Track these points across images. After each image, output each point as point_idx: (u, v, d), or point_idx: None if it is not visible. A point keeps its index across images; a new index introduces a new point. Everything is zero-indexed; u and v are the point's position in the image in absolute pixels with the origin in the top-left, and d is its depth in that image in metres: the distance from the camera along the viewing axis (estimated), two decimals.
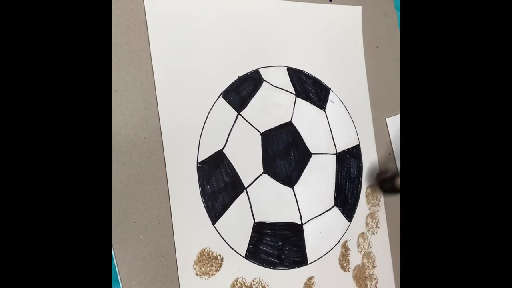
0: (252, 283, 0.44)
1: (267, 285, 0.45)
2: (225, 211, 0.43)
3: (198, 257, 0.41)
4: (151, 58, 0.40)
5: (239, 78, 0.46)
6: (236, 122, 0.45)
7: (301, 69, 0.52)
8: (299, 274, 0.48)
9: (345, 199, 0.53)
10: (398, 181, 0.53)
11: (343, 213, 0.52)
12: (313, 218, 0.49)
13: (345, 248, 0.52)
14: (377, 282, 0.55)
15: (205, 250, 0.41)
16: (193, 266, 0.40)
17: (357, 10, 0.58)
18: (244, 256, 0.44)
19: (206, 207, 0.42)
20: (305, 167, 0.50)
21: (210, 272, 0.41)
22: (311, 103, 0.52)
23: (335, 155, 0.53)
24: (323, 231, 0.50)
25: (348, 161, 0.54)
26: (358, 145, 0.56)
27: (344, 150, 0.54)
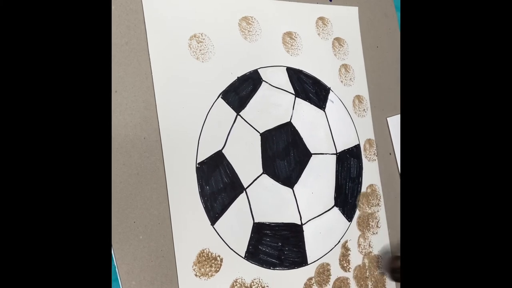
0: (252, 283, 0.44)
1: (267, 286, 0.45)
2: (224, 212, 0.43)
3: (198, 258, 0.41)
4: (150, 58, 0.41)
5: (238, 78, 0.46)
6: (236, 122, 0.45)
7: (300, 69, 0.52)
8: (299, 275, 0.47)
9: (345, 199, 0.53)
10: None
11: (343, 213, 0.52)
12: (313, 219, 0.49)
13: (346, 248, 0.52)
14: (377, 282, 0.55)
15: (205, 250, 0.41)
16: (193, 267, 0.40)
17: (353, 11, 0.58)
18: (243, 256, 0.44)
19: (205, 208, 0.42)
20: (305, 167, 0.50)
21: (210, 273, 0.41)
22: (311, 103, 0.52)
23: (335, 155, 0.53)
24: (323, 231, 0.50)
25: (348, 161, 0.54)
26: (358, 145, 0.56)
27: (344, 150, 0.54)
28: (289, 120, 0.49)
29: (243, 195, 0.44)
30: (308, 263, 0.48)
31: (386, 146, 0.59)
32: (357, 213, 0.54)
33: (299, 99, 0.50)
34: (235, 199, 0.44)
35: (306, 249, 0.48)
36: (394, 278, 0.54)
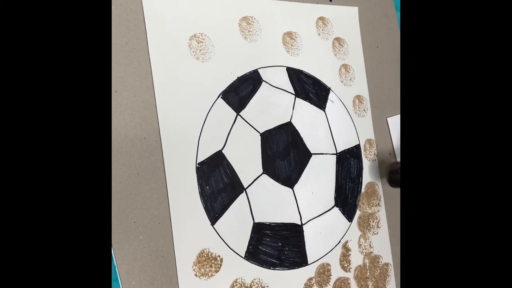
0: (252, 283, 0.44)
1: (267, 286, 0.45)
2: (224, 212, 0.43)
3: (198, 258, 0.41)
4: (150, 58, 0.41)
5: (238, 78, 0.46)
6: (236, 122, 0.45)
7: (300, 69, 0.52)
8: (299, 275, 0.47)
9: (346, 199, 0.53)
10: None
11: (343, 213, 0.52)
12: (313, 219, 0.49)
13: (346, 248, 0.52)
14: (378, 282, 0.55)
15: (205, 251, 0.41)
16: (193, 267, 0.40)
17: (353, 11, 0.58)
18: (243, 256, 0.44)
19: (205, 208, 0.42)
20: (305, 167, 0.50)
21: (210, 273, 0.41)
22: (311, 103, 0.52)
23: (335, 155, 0.53)
24: (323, 231, 0.50)
25: (348, 161, 0.54)
26: (358, 145, 0.56)
27: (344, 150, 0.54)
28: (289, 120, 0.49)
29: (243, 195, 0.44)
30: (308, 263, 0.48)
31: (386, 146, 0.59)
32: (358, 213, 0.54)
33: (299, 99, 0.50)
34: (235, 199, 0.44)
35: (306, 249, 0.48)
36: (392, 180, 0.54)
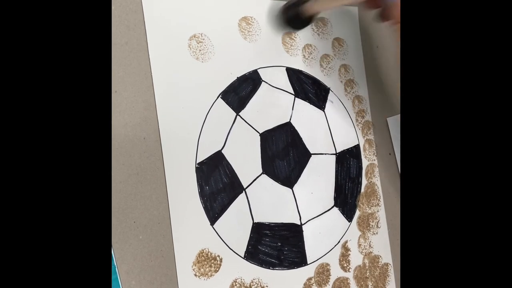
0: (251, 283, 0.44)
1: (266, 286, 0.45)
2: (224, 212, 0.43)
3: (197, 258, 0.41)
4: (149, 59, 0.41)
5: (238, 78, 0.46)
6: (235, 122, 0.45)
7: (300, 69, 0.52)
8: (298, 275, 0.47)
9: (345, 199, 0.53)
10: (305, 6, 0.46)
11: (343, 213, 0.52)
12: (312, 219, 0.49)
13: (345, 248, 0.52)
14: (377, 282, 0.55)
15: (204, 250, 0.41)
16: (192, 267, 0.40)
17: (353, 11, 0.58)
18: (243, 256, 0.44)
19: (205, 208, 0.42)
20: (304, 167, 0.50)
21: (209, 273, 0.41)
22: (310, 103, 0.52)
23: (335, 155, 0.53)
24: (323, 231, 0.50)
25: (347, 161, 0.54)
26: (358, 145, 0.56)
27: (344, 150, 0.54)
28: (288, 120, 0.49)
29: (242, 195, 0.45)
30: (308, 263, 0.48)
31: (386, 146, 0.59)
32: (357, 213, 0.54)
33: (298, 99, 0.50)
34: (235, 199, 0.44)
35: (306, 249, 0.48)
36: (289, 17, 0.48)
